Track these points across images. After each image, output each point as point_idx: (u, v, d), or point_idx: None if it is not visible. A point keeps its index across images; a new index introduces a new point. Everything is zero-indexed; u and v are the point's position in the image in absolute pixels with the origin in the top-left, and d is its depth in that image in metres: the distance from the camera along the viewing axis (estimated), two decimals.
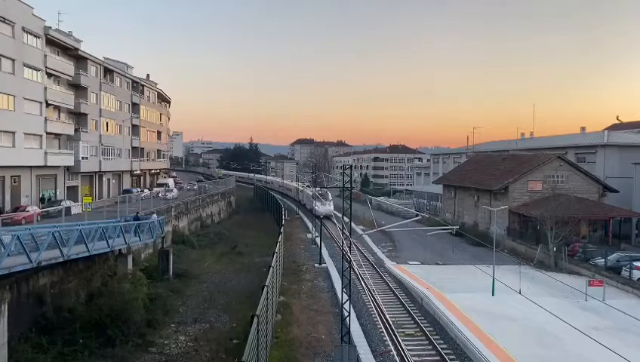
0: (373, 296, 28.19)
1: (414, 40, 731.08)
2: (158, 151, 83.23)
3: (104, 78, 58.43)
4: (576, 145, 54.50)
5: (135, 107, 69.26)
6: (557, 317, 20.27)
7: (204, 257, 40.61)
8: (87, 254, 23.46)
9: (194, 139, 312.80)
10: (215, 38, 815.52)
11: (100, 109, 57.12)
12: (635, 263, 32.20)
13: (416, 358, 20.73)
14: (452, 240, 45.63)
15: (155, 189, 58.37)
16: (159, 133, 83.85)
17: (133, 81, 68.74)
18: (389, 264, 39.03)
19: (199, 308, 28.08)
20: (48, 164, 45.12)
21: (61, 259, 21.36)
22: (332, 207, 60.50)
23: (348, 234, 25.49)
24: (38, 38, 43.63)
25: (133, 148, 67.52)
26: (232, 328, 24.65)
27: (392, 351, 20.60)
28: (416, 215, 56.12)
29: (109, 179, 60.38)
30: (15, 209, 37.25)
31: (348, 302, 22.66)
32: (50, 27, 45.92)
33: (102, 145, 57.14)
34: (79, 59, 52.46)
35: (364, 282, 31.46)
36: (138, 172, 70.74)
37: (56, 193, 47.71)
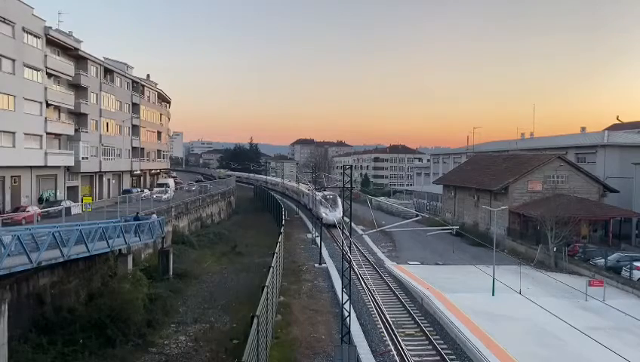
0: (373, 296, 28.18)
1: (414, 40, 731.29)
2: (158, 151, 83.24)
3: (104, 78, 58.44)
4: (577, 145, 54.47)
5: (135, 107, 69.27)
6: (557, 317, 20.27)
7: (204, 257, 40.61)
8: (87, 254, 23.47)
9: (194, 139, 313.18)
10: (215, 38, 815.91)
11: (100, 109, 57.13)
12: (635, 263, 32.18)
13: (417, 358, 20.72)
14: (452, 240, 45.62)
15: (147, 191, 57.11)
16: (159, 133, 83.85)
17: (133, 81, 68.75)
18: (389, 264, 39.03)
19: (199, 308, 28.08)
20: (48, 164, 45.13)
21: (61, 259, 21.36)
22: (341, 214, 53.95)
23: (348, 234, 25.48)
24: (38, 38, 43.64)
25: (133, 148, 67.53)
26: (232, 328, 24.66)
27: (392, 351, 20.59)
28: (417, 215, 56.08)
29: (109, 180, 60.39)
30: (15, 209, 37.26)
31: (348, 302, 22.65)
32: (51, 27, 45.95)
33: (102, 145, 57.14)
34: (79, 59, 52.47)
35: (364, 282, 31.45)
36: (138, 172, 70.75)
37: (56, 193, 47.71)
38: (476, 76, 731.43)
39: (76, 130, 51.37)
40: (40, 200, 42.67)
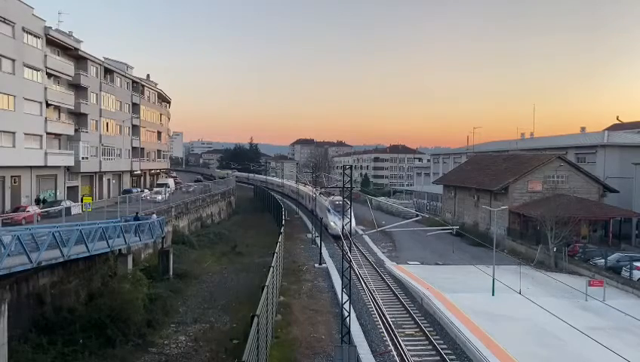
0: (373, 296, 28.19)
1: (414, 40, 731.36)
2: (158, 151, 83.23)
3: (104, 78, 58.43)
4: (577, 145, 54.46)
5: (135, 107, 69.26)
6: (557, 317, 20.26)
7: (204, 257, 40.61)
8: (87, 254, 23.47)
9: (194, 139, 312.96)
10: (215, 38, 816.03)
11: (100, 109, 57.12)
12: (635, 263, 32.17)
13: (416, 358, 20.73)
14: (452, 240, 45.62)
15: (146, 191, 55.56)
16: (159, 133, 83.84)
17: (133, 81, 68.75)
18: (389, 264, 39.03)
19: (199, 308, 28.08)
20: (48, 164, 45.13)
21: (61, 259, 21.37)
22: (354, 222, 45.97)
23: (348, 234, 25.48)
24: (39, 38, 43.64)
25: (133, 148, 67.52)
26: (232, 328, 24.65)
27: (392, 351, 20.60)
28: (417, 215, 56.08)
29: (109, 180, 60.38)
30: (15, 209, 37.25)
31: (348, 302, 22.65)
32: (51, 27, 45.95)
33: (102, 145, 57.13)
34: (79, 59, 52.47)
35: (364, 282, 31.46)
36: (138, 172, 70.74)
37: (56, 193, 47.71)
38: (476, 76, 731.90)
39: (76, 130, 51.37)
40: (37, 201, 42.20)
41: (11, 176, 41.32)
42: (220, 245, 46.60)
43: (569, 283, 29.10)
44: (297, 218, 68.36)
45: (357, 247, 39.48)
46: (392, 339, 21.94)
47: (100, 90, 57.11)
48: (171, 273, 32.84)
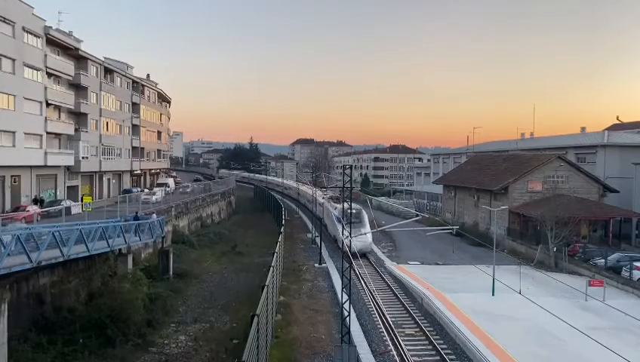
0: (373, 296, 28.19)
1: (414, 40, 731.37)
2: (158, 151, 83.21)
3: (104, 78, 58.41)
4: (577, 145, 54.45)
5: (135, 107, 69.25)
6: (557, 317, 20.26)
7: (204, 257, 40.61)
8: (87, 254, 23.46)
9: (194, 139, 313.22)
10: (215, 38, 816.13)
11: (100, 109, 57.11)
12: (635, 263, 32.17)
13: (416, 358, 20.72)
14: (452, 240, 45.60)
15: (146, 191, 54.21)
16: (159, 133, 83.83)
17: (133, 81, 68.73)
18: (389, 264, 39.02)
19: (199, 307, 28.08)
20: (48, 164, 45.11)
21: (61, 259, 21.35)
22: (370, 237, 42.19)
23: (348, 234, 25.46)
24: (39, 37, 43.62)
25: (133, 148, 67.51)
26: (232, 328, 24.65)
27: (392, 350, 20.59)
28: (417, 215, 55.99)
29: (109, 179, 60.38)
30: (15, 208, 37.23)
31: (348, 302, 22.65)
32: (51, 27, 45.92)
33: (102, 145, 57.12)
34: (79, 59, 52.45)
35: (364, 282, 31.45)
36: (138, 172, 70.73)
37: (56, 193, 47.69)
38: (476, 76, 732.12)
39: (76, 130, 51.35)
40: (35, 201, 41.41)
41: (11, 176, 41.31)
42: (220, 245, 46.59)
43: (569, 283, 29.09)
44: (297, 218, 68.37)
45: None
46: (392, 339, 21.94)
47: (100, 90, 57.10)
48: (171, 273, 32.84)
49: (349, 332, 21.36)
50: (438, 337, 23.43)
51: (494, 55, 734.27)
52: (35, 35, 42.99)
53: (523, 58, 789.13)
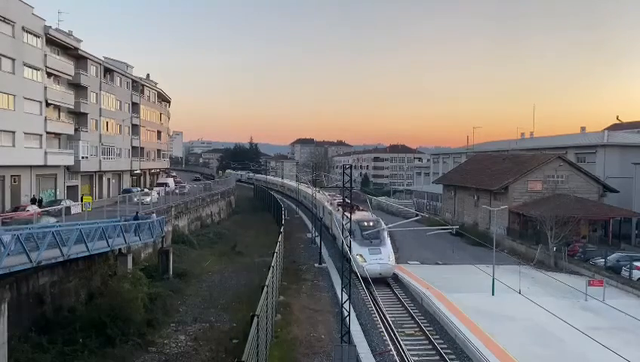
0: (373, 296, 28.17)
1: (414, 40, 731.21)
2: (158, 150, 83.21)
3: (104, 78, 58.40)
4: (577, 145, 54.47)
5: (135, 107, 69.22)
6: (557, 317, 20.27)
7: (204, 257, 40.59)
8: (87, 254, 23.45)
9: (194, 139, 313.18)
10: (215, 38, 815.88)
11: (100, 109, 57.09)
12: (635, 263, 32.19)
13: (416, 358, 20.72)
14: (452, 240, 45.61)
15: (140, 192, 51.32)
16: (159, 132, 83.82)
17: (133, 81, 68.71)
18: None
19: (199, 307, 28.07)
20: (48, 164, 45.09)
21: (61, 259, 21.35)
22: (393, 258, 33.94)
23: (348, 234, 25.46)
24: (38, 37, 43.59)
25: (133, 147, 67.49)
26: (232, 328, 24.64)
27: (391, 350, 20.58)
28: (416, 215, 55.98)
29: (109, 179, 60.36)
30: (15, 208, 37.20)
31: (348, 302, 22.65)
32: (50, 26, 45.88)
33: (102, 144, 57.10)
34: (79, 58, 52.43)
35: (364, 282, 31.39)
36: (138, 171, 70.72)
37: (56, 192, 47.66)
38: (476, 76, 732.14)
39: (76, 130, 51.32)
40: (33, 201, 40.78)
41: (11, 176, 41.29)
42: (220, 245, 46.57)
43: (569, 282, 29.10)
44: (297, 218, 68.37)
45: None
46: (391, 339, 21.94)
47: (100, 90, 57.08)
48: (171, 272, 32.83)
49: (348, 332, 21.35)
50: (437, 337, 23.43)
51: (494, 55, 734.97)
52: (34, 35, 42.96)
53: (523, 58, 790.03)
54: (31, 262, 18.96)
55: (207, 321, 25.72)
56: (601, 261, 34.88)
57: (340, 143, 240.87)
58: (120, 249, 27.96)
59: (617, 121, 73.20)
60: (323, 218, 50.45)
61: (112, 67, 60.82)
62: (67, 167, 49.55)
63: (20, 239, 18.28)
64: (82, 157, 51.76)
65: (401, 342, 21.99)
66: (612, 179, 47.11)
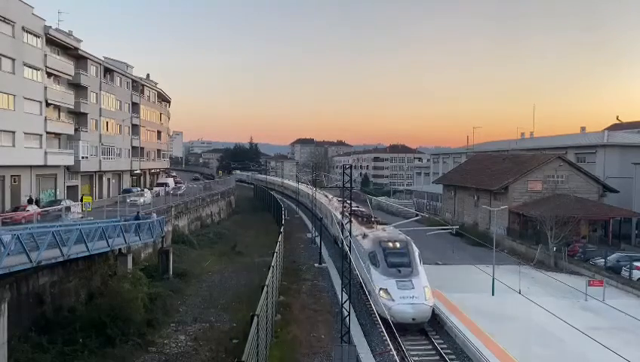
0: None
1: (414, 40, 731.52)
2: (158, 150, 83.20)
3: (104, 78, 58.39)
4: (577, 145, 54.48)
5: (135, 107, 69.21)
6: (557, 317, 20.28)
7: (204, 257, 40.58)
8: (87, 254, 23.44)
9: (194, 138, 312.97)
10: (215, 38, 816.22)
11: (100, 109, 57.09)
12: (635, 263, 32.19)
13: (416, 358, 20.71)
14: (452, 240, 45.60)
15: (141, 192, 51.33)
16: (159, 132, 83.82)
17: (133, 81, 68.70)
18: None
19: (199, 307, 28.06)
20: (48, 164, 45.08)
21: (61, 259, 21.34)
22: (430, 294, 24.57)
23: (348, 234, 25.42)
24: (38, 37, 43.59)
25: (133, 147, 67.49)
26: (232, 328, 24.63)
27: (391, 350, 20.57)
28: (416, 215, 55.99)
29: (109, 179, 60.36)
30: (15, 208, 37.19)
31: (348, 302, 22.64)
32: (50, 26, 45.88)
33: (102, 144, 57.10)
34: (79, 58, 52.42)
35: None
36: (138, 171, 70.72)
37: (56, 192, 47.65)
38: (476, 76, 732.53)
39: (76, 130, 51.31)
40: (30, 201, 40.29)
41: (11, 176, 41.28)
42: (220, 244, 46.57)
43: (569, 283, 29.11)
44: (297, 218, 68.38)
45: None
46: (391, 339, 21.91)
47: (100, 90, 57.07)
48: (171, 272, 32.82)
49: (348, 332, 21.34)
50: (437, 337, 23.42)
51: (494, 55, 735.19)
52: (34, 35, 42.95)
53: (523, 58, 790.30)
54: (31, 261, 18.95)
55: (207, 321, 25.71)
56: (601, 261, 34.87)
57: (340, 143, 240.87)
58: (120, 249, 27.96)
59: (617, 121, 73.21)
60: (327, 222, 45.65)
61: (112, 67, 60.81)
62: (67, 167, 49.55)
63: (19, 239, 18.28)
64: (82, 157, 51.76)
65: (401, 342, 21.95)
66: (612, 179, 47.11)
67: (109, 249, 25.88)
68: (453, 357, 21.15)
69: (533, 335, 22.69)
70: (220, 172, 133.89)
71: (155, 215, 34.93)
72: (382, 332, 21.52)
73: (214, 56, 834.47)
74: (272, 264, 24.12)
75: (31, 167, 43.31)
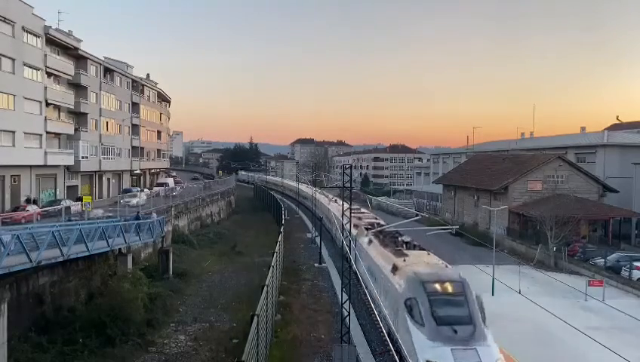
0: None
1: (414, 40, 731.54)
2: (158, 150, 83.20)
3: (104, 78, 58.39)
4: (576, 145, 54.50)
5: (135, 107, 69.22)
6: (557, 317, 20.26)
7: (204, 257, 40.58)
8: (87, 253, 23.43)
9: (194, 138, 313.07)
10: (215, 38, 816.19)
11: (100, 109, 57.09)
12: (634, 263, 32.21)
13: None
14: (452, 240, 45.58)
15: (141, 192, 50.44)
16: (159, 132, 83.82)
17: (133, 81, 68.71)
18: None
19: (199, 307, 28.06)
20: (48, 164, 45.09)
21: (61, 259, 21.34)
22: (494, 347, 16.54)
23: (348, 234, 25.40)
24: (38, 37, 43.59)
25: (133, 147, 67.50)
26: (232, 327, 24.63)
27: (391, 350, 20.56)
28: (416, 215, 55.96)
29: (109, 179, 60.37)
30: (15, 208, 37.20)
31: (348, 302, 22.63)
32: (50, 26, 45.89)
33: (102, 144, 57.11)
34: (79, 58, 52.43)
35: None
36: (138, 171, 70.73)
37: (56, 192, 47.66)
38: (476, 76, 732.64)
39: (76, 130, 51.33)
40: (27, 201, 40.14)
41: (11, 176, 41.29)
42: (220, 244, 46.56)
43: (569, 283, 29.11)
44: (297, 218, 68.38)
45: None
46: (391, 339, 21.89)
47: (100, 90, 57.08)
48: (171, 272, 32.81)
49: (348, 332, 21.34)
50: None
51: (494, 55, 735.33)
52: (34, 35, 42.96)
53: (523, 58, 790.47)
54: (31, 261, 18.95)
55: (207, 321, 25.71)
56: (601, 261, 34.88)
57: (340, 143, 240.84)
58: (120, 249, 27.95)
59: (617, 121, 73.25)
60: (330, 226, 41.08)
61: (112, 67, 60.81)
62: (67, 167, 49.56)
63: (19, 239, 18.27)
64: (82, 157, 51.77)
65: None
66: (612, 179, 47.12)
67: (109, 249, 25.87)
68: None
69: (533, 335, 22.69)
70: (220, 172, 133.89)
71: (155, 215, 34.94)
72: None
73: (214, 56, 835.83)
74: (272, 264, 24.12)
75: (31, 166, 43.31)
